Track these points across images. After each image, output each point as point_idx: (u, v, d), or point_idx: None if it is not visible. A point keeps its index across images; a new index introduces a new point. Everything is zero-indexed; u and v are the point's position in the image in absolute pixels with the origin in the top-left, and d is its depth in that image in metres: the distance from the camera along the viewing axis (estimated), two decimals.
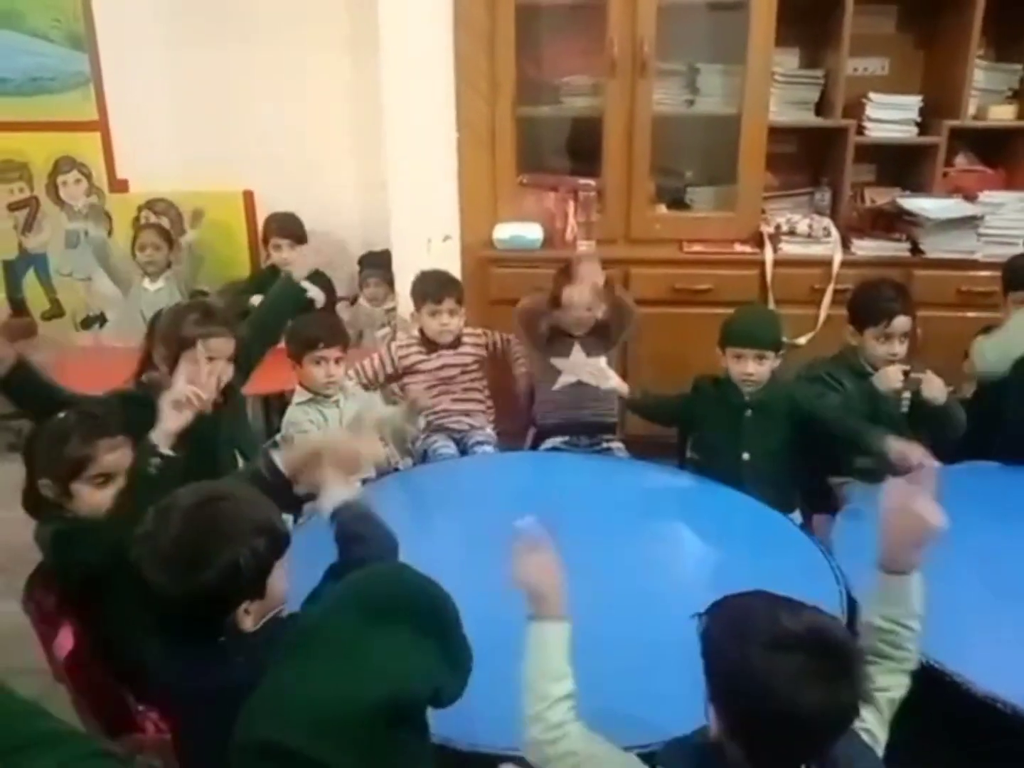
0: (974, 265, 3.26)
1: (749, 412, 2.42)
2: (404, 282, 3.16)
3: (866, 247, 3.34)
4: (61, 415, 1.75)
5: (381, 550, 1.40)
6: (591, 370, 2.68)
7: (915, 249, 3.30)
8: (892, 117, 3.37)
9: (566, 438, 2.85)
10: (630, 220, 3.44)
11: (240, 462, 2.26)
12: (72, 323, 4.28)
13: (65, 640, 1.58)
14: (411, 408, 2.61)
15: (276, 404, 3.23)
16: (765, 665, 1.08)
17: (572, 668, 1.30)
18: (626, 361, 3.25)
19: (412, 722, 1.10)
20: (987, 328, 2.72)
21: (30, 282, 4.27)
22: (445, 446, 2.84)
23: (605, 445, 2.84)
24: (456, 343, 2.98)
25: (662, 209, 3.56)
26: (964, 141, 3.45)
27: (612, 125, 3.34)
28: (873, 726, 1.27)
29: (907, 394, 2.47)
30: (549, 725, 1.26)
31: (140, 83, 3.85)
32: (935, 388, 2.41)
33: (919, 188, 3.44)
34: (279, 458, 1.59)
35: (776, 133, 3.38)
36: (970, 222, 3.24)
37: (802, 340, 3.16)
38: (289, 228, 3.60)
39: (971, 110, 3.34)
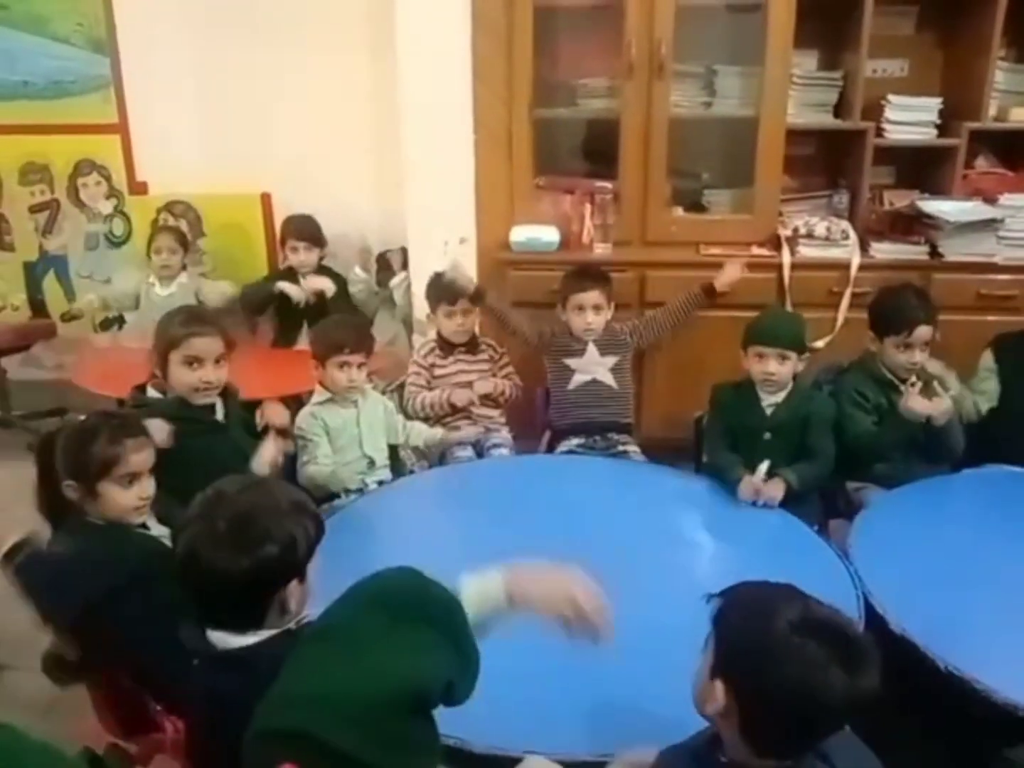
0: (994, 268, 3.23)
1: (768, 435, 2.41)
2: (420, 284, 3.17)
3: (884, 250, 3.32)
4: (81, 418, 1.77)
5: None
6: None
7: (934, 252, 3.27)
8: (911, 119, 3.34)
9: (582, 440, 2.86)
10: (646, 222, 3.43)
11: None
12: (91, 324, 4.31)
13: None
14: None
15: (293, 406, 3.23)
16: (788, 644, 1.10)
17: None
18: (642, 363, 3.26)
19: (427, 712, 1.11)
20: (1001, 337, 2.69)
21: (50, 283, 4.32)
22: (462, 448, 2.86)
23: (621, 448, 2.84)
24: (473, 348, 2.99)
25: (679, 212, 3.55)
26: (984, 143, 3.42)
27: (629, 127, 3.34)
28: None
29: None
30: None
31: (160, 86, 3.89)
32: (937, 409, 2.39)
33: (938, 190, 3.41)
34: None
35: (794, 135, 3.36)
36: (990, 225, 3.20)
37: (820, 344, 3.14)
38: (306, 230, 3.62)
39: (992, 112, 3.31)
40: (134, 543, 1.73)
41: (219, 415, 2.30)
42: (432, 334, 3.06)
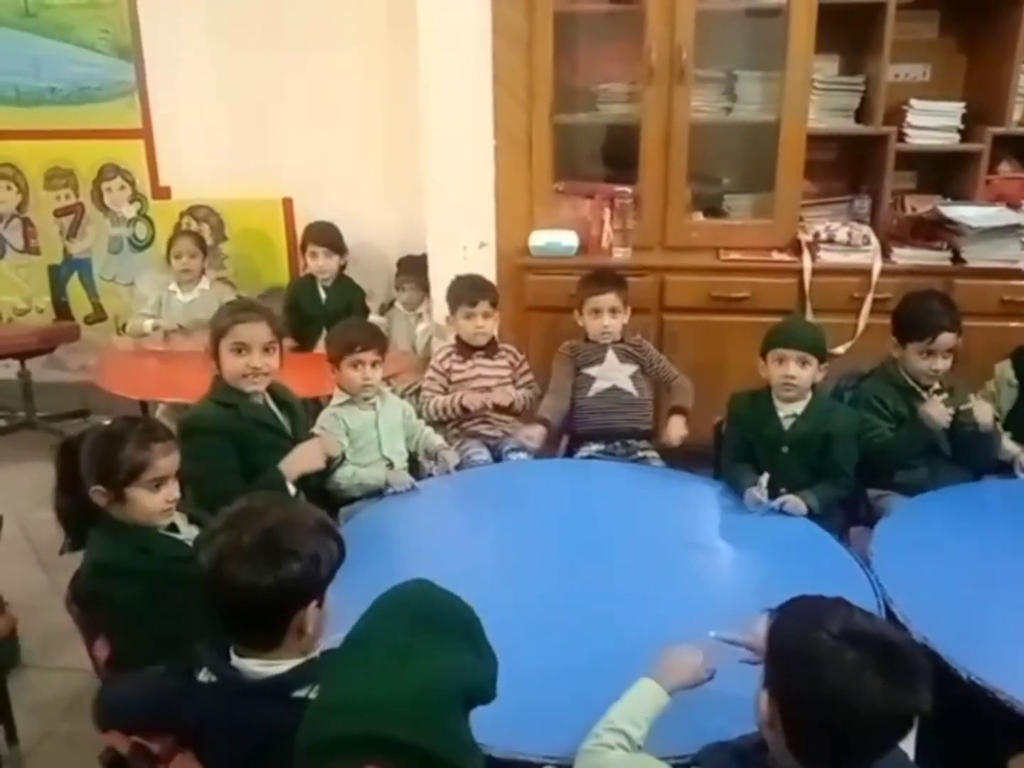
0: (1017, 274, 3.20)
1: (786, 449, 2.39)
2: (440, 289, 3.18)
3: (906, 256, 3.30)
4: (106, 422, 1.79)
5: None
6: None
7: (956, 258, 3.25)
8: (934, 124, 3.32)
9: (601, 446, 2.85)
10: (666, 228, 3.43)
11: None
12: (114, 327, 4.36)
13: (103, 645, 1.61)
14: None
15: (312, 408, 3.25)
16: (832, 652, 1.09)
17: (648, 729, 1.33)
18: None
19: (472, 708, 1.13)
20: (1019, 350, 2.66)
21: (74, 286, 4.36)
22: (479, 452, 2.85)
23: (640, 454, 2.83)
24: (493, 352, 2.99)
25: (699, 217, 3.55)
26: (1008, 148, 3.39)
27: (649, 132, 3.34)
28: None
29: (950, 411, 2.43)
30: (599, 741, 1.29)
31: (183, 92, 3.93)
32: (986, 413, 2.38)
33: (961, 196, 3.39)
34: None
35: (815, 140, 3.34)
36: (1013, 231, 3.18)
37: (840, 349, 3.12)
38: (327, 237, 3.64)
39: (1015, 116, 3.28)
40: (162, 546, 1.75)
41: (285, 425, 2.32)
42: (451, 338, 3.07)
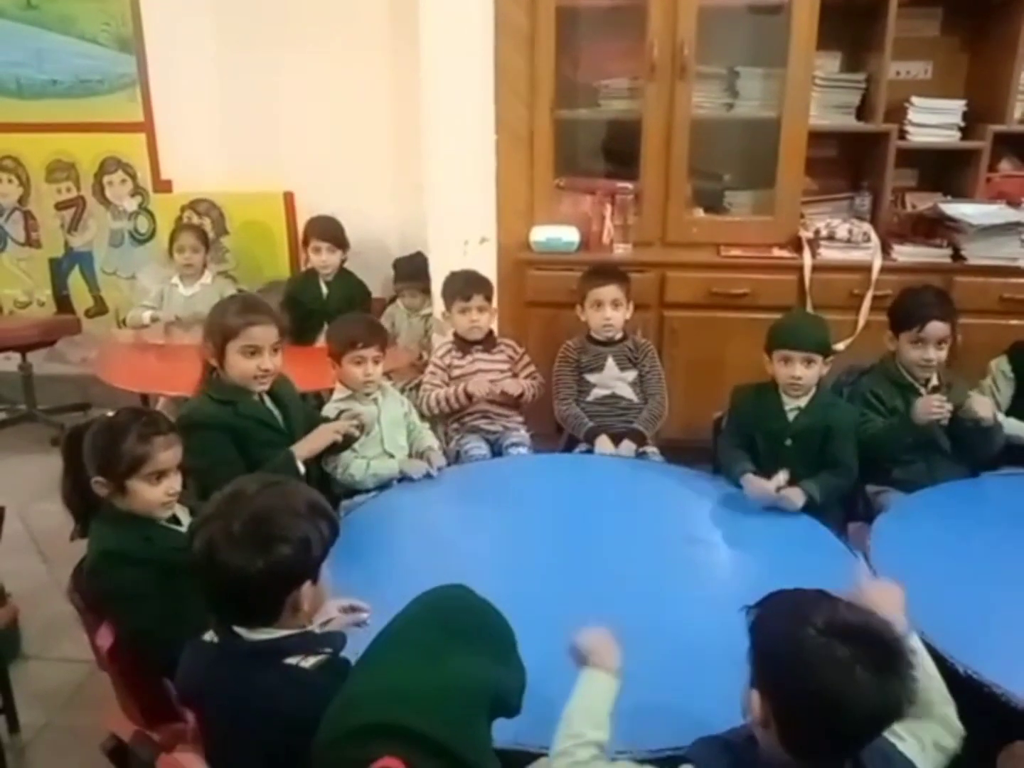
0: (1017, 272, 3.21)
1: (789, 442, 2.40)
2: (440, 284, 3.19)
3: (906, 253, 3.31)
4: (110, 414, 1.79)
5: None
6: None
7: (956, 255, 3.26)
8: (935, 121, 3.33)
9: None
10: (667, 224, 3.43)
11: None
12: (115, 320, 4.37)
13: (107, 632, 1.62)
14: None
15: (314, 403, 3.26)
16: (818, 648, 1.10)
17: (611, 723, 1.32)
18: (663, 366, 3.25)
19: (498, 716, 1.15)
20: (1015, 345, 2.66)
21: (75, 279, 4.37)
22: (477, 447, 2.87)
23: (639, 450, 2.84)
24: (491, 346, 3.00)
25: (699, 213, 3.55)
26: (1008, 146, 3.40)
27: (650, 128, 3.34)
28: (915, 757, 1.26)
29: (948, 407, 2.44)
30: (575, 761, 1.27)
31: (185, 86, 3.93)
32: (985, 407, 2.38)
33: (961, 193, 3.39)
34: None
35: (816, 137, 3.35)
36: (1013, 228, 3.19)
37: (840, 346, 3.13)
38: (329, 232, 3.64)
39: (1016, 114, 3.29)
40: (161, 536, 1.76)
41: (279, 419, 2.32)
42: (450, 334, 3.08)
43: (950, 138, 3.35)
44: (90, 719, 1.54)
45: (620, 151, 3.57)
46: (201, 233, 3.77)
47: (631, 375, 2.90)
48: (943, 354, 2.50)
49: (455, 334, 3.01)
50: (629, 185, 3.41)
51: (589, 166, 3.64)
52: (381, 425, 2.58)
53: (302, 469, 2.22)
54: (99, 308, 4.39)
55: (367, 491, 2.48)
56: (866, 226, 3.34)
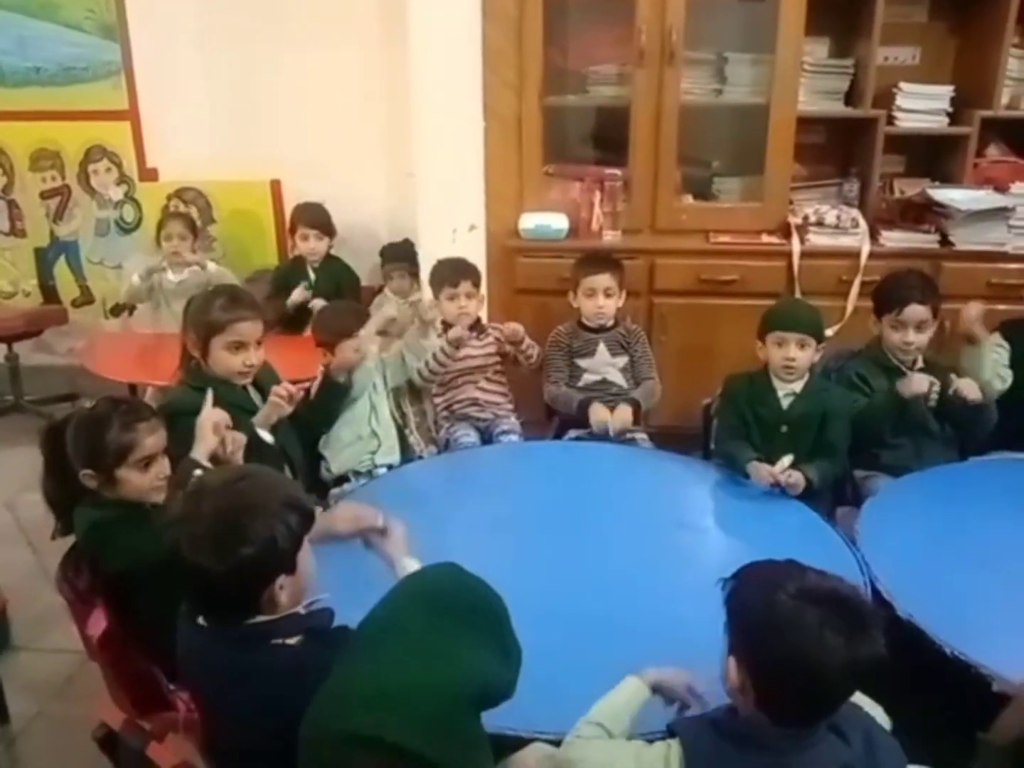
0: (1004, 257, 3.23)
1: (784, 428, 2.40)
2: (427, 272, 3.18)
3: (895, 238, 3.31)
4: (88, 406, 1.78)
5: None
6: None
7: (944, 241, 3.27)
8: (923, 107, 3.33)
9: (590, 429, 2.86)
10: (656, 210, 3.43)
11: None
12: (102, 310, 4.34)
13: (98, 619, 1.61)
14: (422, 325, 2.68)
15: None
16: (791, 613, 1.14)
17: (628, 724, 1.34)
18: (652, 353, 3.26)
19: (484, 709, 1.13)
20: (1009, 322, 2.67)
21: (61, 269, 4.34)
22: (466, 435, 2.87)
23: (629, 436, 2.84)
24: (480, 333, 2.99)
25: (689, 199, 3.55)
26: (996, 131, 3.41)
27: (639, 115, 3.33)
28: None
29: (936, 388, 2.46)
30: (577, 734, 1.31)
31: (170, 73, 3.89)
32: (971, 388, 2.39)
33: (949, 179, 3.40)
34: None
35: (805, 123, 3.35)
36: (1001, 214, 3.20)
37: (829, 332, 3.11)
38: (316, 219, 3.63)
39: (1004, 100, 3.30)
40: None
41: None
42: (438, 323, 3.07)
43: (938, 124, 3.36)
44: (81, 709, 1.54)
45: (609, 138, 3.56)
46: (189, 221, 3.74)
47: (622, 361, 2.90)
48: (923, 338, 2.50)
49: (443, 322, 3.00)
50: (618, 172, 3.41)
51: (578, 153, 3.63)
52: (371, 401, 2.59)
53: (269, 438, 2.16)
54: (86, 298, 4.36)
55: (356, 477, 2.48)
56: (854, 212, 3.35)
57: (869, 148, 3.38)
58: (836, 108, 3.43)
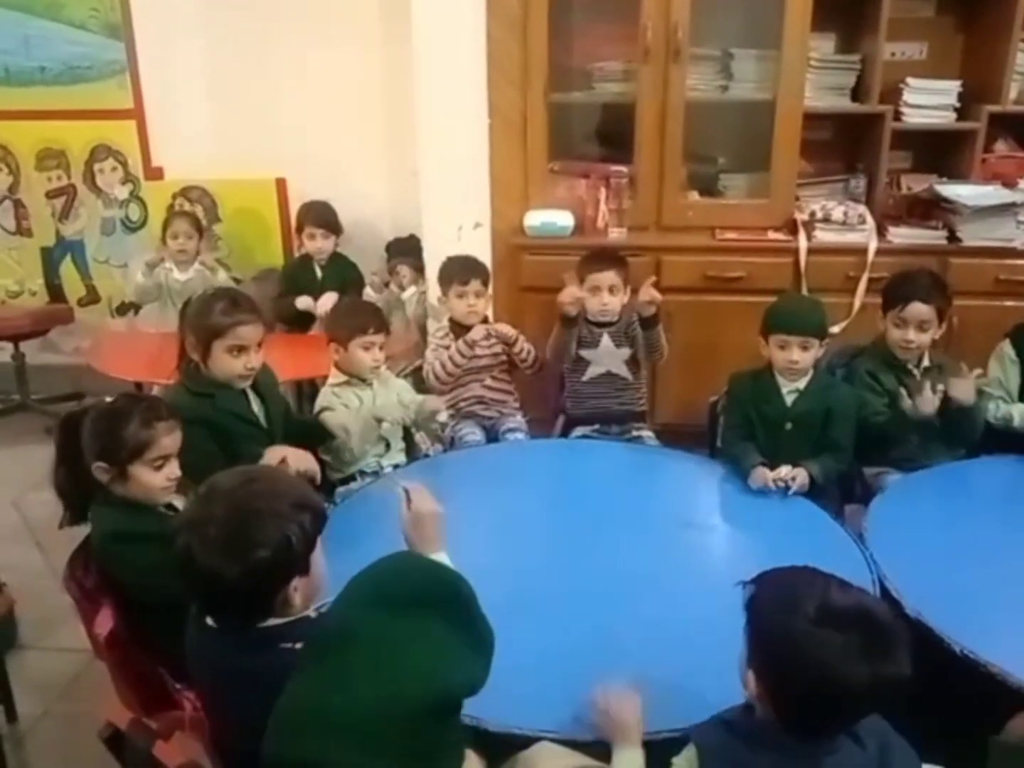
0: (1013, 253, 3.21)
1: (789, 425, 2.39)
2: (435, 269, 3.17)
3: (902, 235, 3.30)
4: (108, 400, 1.78)
5: None
6: None
7: (952, 237, 3.25)
8: (930, 102, 3.31)
9: (596, 426, 2.86)
10: (662, 207, 3.42)
11: None
12: (107, 309, 4.35)
13: (105, 619, 1.61)
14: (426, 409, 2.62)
15: (308, 390, 3.26)
16: (810, 638, 1.10)
17: None
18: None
19: (451, 713, 1.08)
20: (1018, 328, 2.64)
21: (67, 268, 4.34)
22: (471, 433, 2.86)
23: (635, 433, 2.84)
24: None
25: (694, 196, 3.54)
26: (1004, 127, 3.39)
27: (644, 111, 3.32)
28: None
29: (940, 388, 2.44)
30: None
31: (175, 71, 3.90)
32: (965, 392, 2.36)
33: (957, 175, 3.39)
34: None
35: (811, 119, 3.34)
36: (1009, 209, 3.18)
37: (836, 329, 3.11)
38: (323, 218, 3.62)
39: (1012, 95, 3.28)
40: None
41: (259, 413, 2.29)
42: (445, 320, 3.07)
43: (945, 119, 3.34)
44: (87, 708, 1.53)
45: (614, 134, 3.55)
46: (194, 220, 3.75)
47: (626, 353, 2.89)
48: (924, 338, 2.47)
49: (451, 319, 3.00)
50: (624, 169, 3.39)
51: (583, 150, 3.62)
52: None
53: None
54: (91, 297, 4.36)
55: (362, 477, 2.48)
56: (861, 208, 3.34)
57: (876, 144, 3.37)
58: (843, 104, 3.42)
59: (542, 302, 3.31)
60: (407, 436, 2.70)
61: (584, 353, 2.89)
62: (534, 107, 3.37)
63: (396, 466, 2.57)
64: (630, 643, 1.61)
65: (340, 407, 2.52)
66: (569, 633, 1.64)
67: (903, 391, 2.39)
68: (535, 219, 3.40)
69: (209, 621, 1.35)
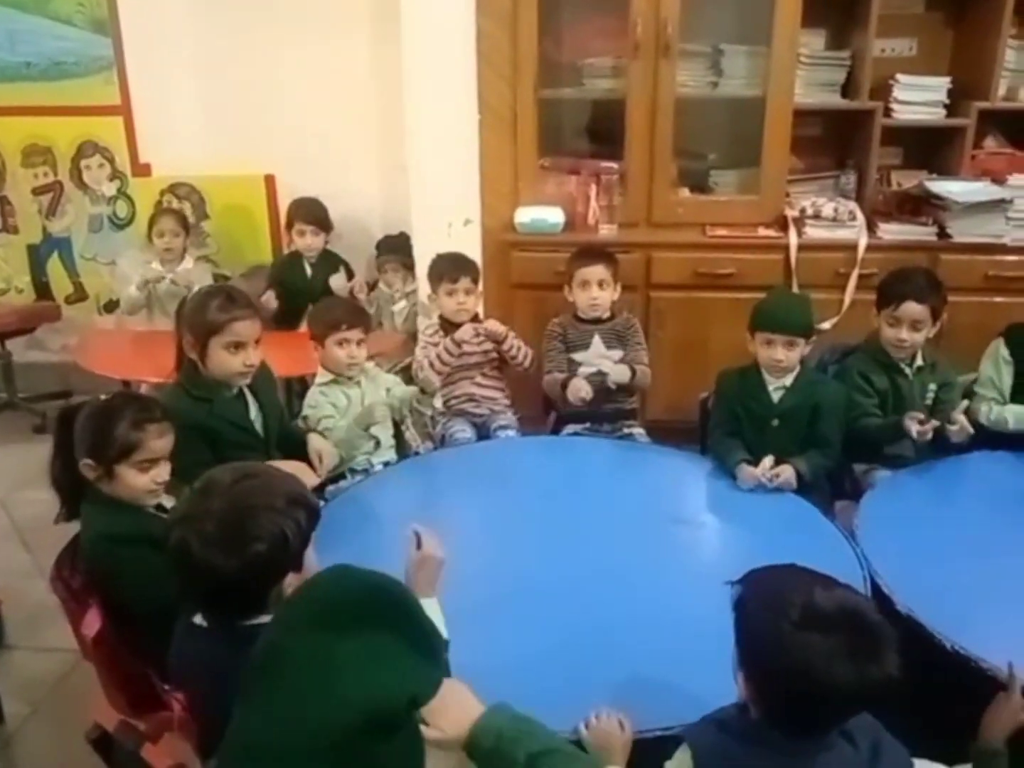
0: (1002, 249, 3.22)
1: (776, 422, 2.39)
2: (425, 267, 3.16)
3: (892, 231, 3.30)
4: (104, 397, 1.77)
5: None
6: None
7: (942, 233, 3.26)
8: (920, 99, 3.32)
9: (587, 424, 2.85)
10: (652, 204, 3.41)
11: None
12: (95, 306, 4.32)
13: (93, 619, 1.60)
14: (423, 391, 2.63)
15: (298, 388, 3.25)
16: (796, 642, 1.10)
17: None
18: (648, 346, 3.25)
19: (397, 727, 1.06)
20: (1011, 328, 2.63)
21: (54, 266, 4.31)
22: (462, 431, 2.86)
23: (626, 431, 2.84)
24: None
25: (685, 192, 3.53)
26: (993, 123, 3.40)
27: (635, 107, 3.31)
28: None
29: (932, 387, 2.44)
30: None
31: (162, 67, 3.87)
32: (960, 434, 2.32)
33: (946, 171, 3.39)
34: None
35: (801, 115, 3.33)
36: (998, 205, 3.19)
37: (826, 325, 3.13)
38: (313, 215, 3.61)
39: (1001, 91, 3.29)
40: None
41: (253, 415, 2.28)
42: (435, 317, 3.05)
43: (935, 115, 3.35)
44: (75, 709, 1.52)
45: (604, 131, 3.54)
46: (181, 217, 3.73)
47: (617, 354, 2.88)
48: (918, 337, 2.46)
49: (441, 317, 2.99)
50: (614, 165, 3.39)
51: (573, 146, 3.61)
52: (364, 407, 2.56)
53: None
54: (79, 294, 4.33)
55: (352, 475, 2.47)
56: (851, 204, 3.34)
57: (866, 140, 3.37)
58: (833, 100, 3.42)
59: (532, 299, 3.31)
60: (397, 434, 2.68)
61: (575, 355, 2.88)
62: (524, 103, 3.36)
63: (386, 463, 2.56)
64: (620, 639, 1.61)
65: (328, 406, 2.51)
66: (558, 630, 1.63)
67: (907, 423, 2.30)
68: (525, 216, 3.39)
69: (198, 620, 1.34)
